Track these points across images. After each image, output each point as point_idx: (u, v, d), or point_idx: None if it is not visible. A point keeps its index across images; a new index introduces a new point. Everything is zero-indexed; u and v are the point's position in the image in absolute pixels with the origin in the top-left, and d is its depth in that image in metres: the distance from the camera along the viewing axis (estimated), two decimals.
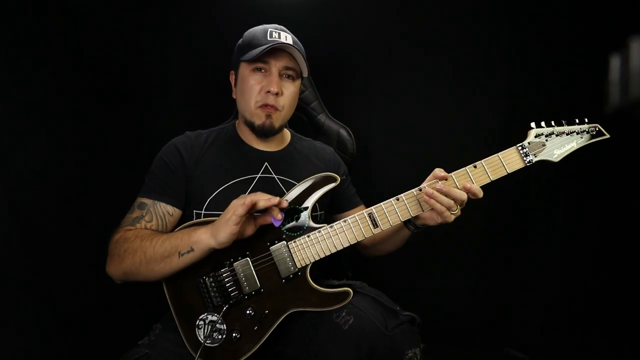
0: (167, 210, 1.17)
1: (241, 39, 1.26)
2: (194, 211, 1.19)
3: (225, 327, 1.09)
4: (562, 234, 1.87)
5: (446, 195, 1.02)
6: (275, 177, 1.25)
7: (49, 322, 1.55)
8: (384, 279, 1.27)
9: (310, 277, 1.11)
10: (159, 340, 1.12)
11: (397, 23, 1.81)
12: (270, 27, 1.22)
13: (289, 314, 1.10)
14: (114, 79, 1.64)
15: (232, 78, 1.31)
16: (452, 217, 1.05)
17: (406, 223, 1.16)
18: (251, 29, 1.25)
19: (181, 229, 1.12)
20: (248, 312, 1.09)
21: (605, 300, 1.80)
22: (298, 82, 1.26)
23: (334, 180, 1.13)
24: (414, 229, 1.16)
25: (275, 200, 1.02)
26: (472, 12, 1.78)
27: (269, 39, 1.18)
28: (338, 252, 1.11)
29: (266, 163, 1.26)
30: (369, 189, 1.48)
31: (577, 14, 1.72)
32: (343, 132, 1.57)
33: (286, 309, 1.10)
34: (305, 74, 1.24)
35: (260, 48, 1.15)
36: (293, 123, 1.50)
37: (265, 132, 1.23)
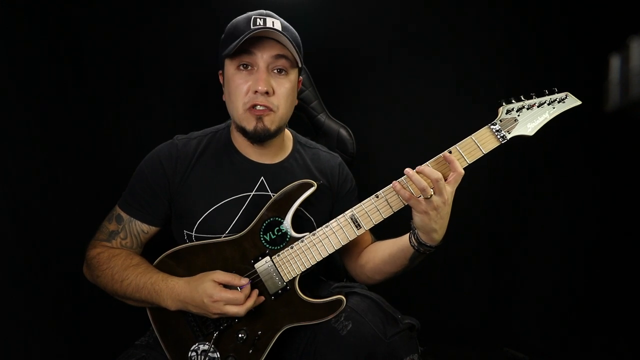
0: (142, 229, 1.14)
1: (224, 33, 1.11)
2: (185, 231, 1.13)
3: (218, 355, 1.05)
4: (562, 234, 1.87)
5: (414, 174, 0.96)
6: (271, 194, 1.13)
7: (47, 320, 1.55)
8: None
9: (301, 287, 1.07)
10: (159, 344, 1.11)
11: (397, 23, 1.81)
12: (254, 14, 1.06)
13: (283, 330, 1.06)
14: (113, 77, 1.64)
15: (221, 79, 1.17)
16: (425, 207, 0.94)
17: (410, 239, 1.06)
18: (234, 19, 1.09)
19: (159, 264, 1.10)
20: (240, 335, 1.04)
21: (605, 300, 1.80)
22: (293, 76, 1.10)
23: (311, 185, 1.08)
24: (417, 246, 1.04)
25: (243, 282, 1.01)
26: (472, 13, 1.78)
27: (252, 27, 1.02)
28: (333, 254, 1.08)
29: (262, 178, 1.15)
30: (368, 189, 1.47)
31: (578, 14, 1.72)
32: (343, 131, 1.57)
33: (279, 327, 1.06)
34: (299, 63, 1.08)
35: (237, 41, 1.00)
36: (293, 123, 1.49)
37: (259, 138, 1.08)
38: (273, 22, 1.04)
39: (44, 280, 1.53)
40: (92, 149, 1.62)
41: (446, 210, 0.97)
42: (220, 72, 1.15)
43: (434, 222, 0.97)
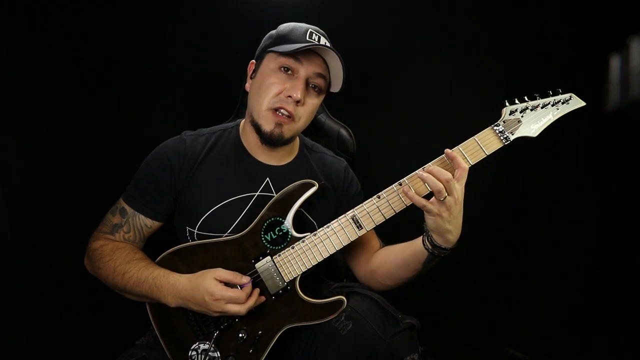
0: (146, 223, 1.14)
1: (275, 30, 1.14)
2: (187, 228, 1.12)
3: (219, 355, 1.05)
4: (562, 234, 1.87)
5: (429, 176, 0.94)
6: (275, 196, 1.12)
7: (47, 320, 1.55)
8: None
9: (302, 287, 1.06)
10: (159, 343, 1.11)
11: (397, 23, 1.81)
12: (310, 28, 1.11)
13: (284, 330, 1.06)
14: (113, 76, 1.64)
15: (250, 67, 1.17)
16: (438, 209, 0.93)
17: (423, 241, 1.04)
18: (289, 23, 1.13)
19: (161, 261, 1.10)
20: (240, 335, 1.04)
21: (605, 301, 1.80)
22: (322, 97, 1.15)
23: (312, 185, 1.08)
24: (432, 248, 1.01)
25: (245, 280, 1.01)
26: (472, 13, 1.78)
27: (307, 38, 1.08)
28: (334, 255, 1.08)
29: (268, 179, 1.16)
30: (369, 189, 1.47)
31: (578, 14, 1.72)
32: (343, 132, 1.57)
33: (280, 327, 1.05)
34: (338, 87, 1.12)
35: (299, 45, 1.03)
36: None
37: (272, 142, 1.10)
38: (326, 42, 1.11)
39: (44, 280, 1.53)
40: (92, 149, 1.62)
41: (458, 209, 0.95)
42: (253, 62, 1.17)
43: (447, 223, 0.95)
